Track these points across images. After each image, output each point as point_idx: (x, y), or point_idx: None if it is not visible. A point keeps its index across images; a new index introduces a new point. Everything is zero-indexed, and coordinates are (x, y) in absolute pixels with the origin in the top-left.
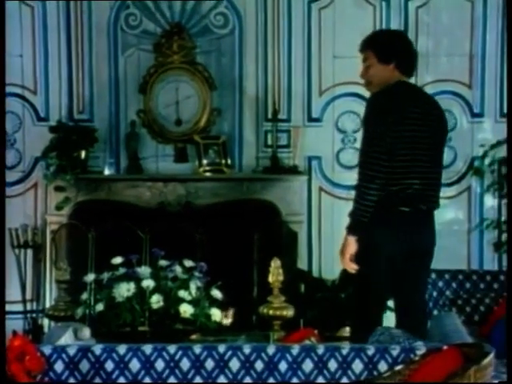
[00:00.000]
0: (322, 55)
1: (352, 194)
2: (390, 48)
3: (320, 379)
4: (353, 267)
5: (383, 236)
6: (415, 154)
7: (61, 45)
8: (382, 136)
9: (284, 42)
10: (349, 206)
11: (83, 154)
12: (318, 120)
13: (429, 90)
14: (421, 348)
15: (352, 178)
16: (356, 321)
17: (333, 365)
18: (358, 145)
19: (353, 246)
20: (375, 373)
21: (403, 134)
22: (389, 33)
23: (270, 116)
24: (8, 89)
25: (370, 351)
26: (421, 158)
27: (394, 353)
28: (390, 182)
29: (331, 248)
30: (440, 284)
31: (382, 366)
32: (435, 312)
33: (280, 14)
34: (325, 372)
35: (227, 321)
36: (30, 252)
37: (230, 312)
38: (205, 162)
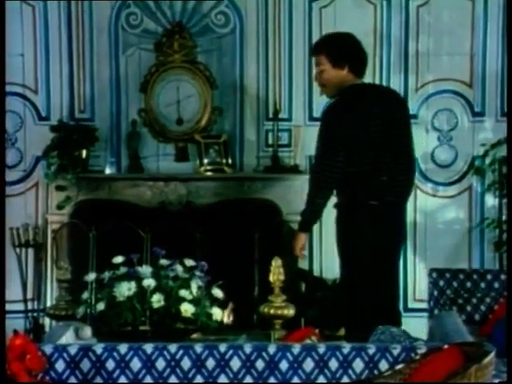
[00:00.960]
0: None
1: None
2: (342, 52)
3: (321, 378)
4: (304, 254)
5: (354, 230)
6: (378, 153)
7: (62, 44)
8: (344, 141)
9: (285, 41)
10: None
11: (84, 153)
12: (318, 119)
13: (429, 89)
14: (422, 347)
15: None
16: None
17: (334, 364)
18: None
19: (303, 240)
20: (376, 372)
21: (367, 135)
22: (340, 36)
23: (270, 115)
24: (9, 88)
25: (371, 350)
26: (385, 153)
27: (395, 352)
28: (352, 182)
29: (332, 247)
30: (441, 283)
31: (383, 365)
32: (436, 311)
33: (281, 12)
34: (326, 371)
35: (228, 319)
36: (31, 251)
37: (230, 307)
38: (206, 161)
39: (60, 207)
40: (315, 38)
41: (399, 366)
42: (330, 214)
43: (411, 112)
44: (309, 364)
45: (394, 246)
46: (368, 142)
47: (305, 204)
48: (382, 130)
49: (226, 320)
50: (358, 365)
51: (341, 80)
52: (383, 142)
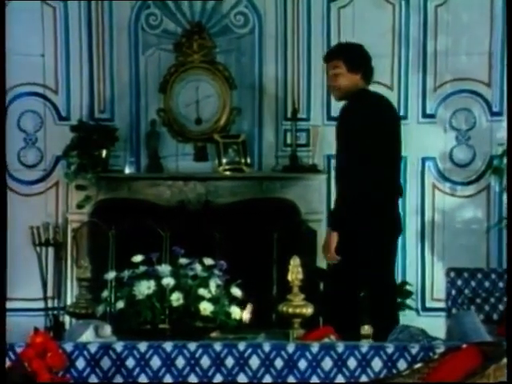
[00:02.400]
0: None
1: None
2: (358, 59)
3: (339, 377)
4: (337, 258)
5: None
6: (390, 154)
7: (82, 44)
8: (369, 143)
9: (303, 41)
10: None
11: (104, 152)
12: (337, 119)
13: (448, 88)
14: (440, 346)
15: None
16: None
17: (352, 363)
18: None
19: (336, 239)
20: (394, 371)
21: (382, 138)
22: (355, 45)
23: (289, 115)
24: (29, 88)
25: (390, 349)
26: (392, 155)
27: (414, 351)
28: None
29: None
30: (459, 282)
31: (402, 365)
32: (454, 311)
33: (299, 12)
34: (344, 370)
35: (247, 317)
36: (51, 250)
37: (250, 306)
38: (224, 160)
39: (80, 206)
40: (333, 38)
41: (417, 366)
42: None
43: (429, 111)
44: (327, 363)
45: (392, 238)
46: (382, 144)
47: (335, 202)
48: (390, 134)
49: (244, 318)
50: (377, 364)
51: (353, 85)
52: (391, 145)
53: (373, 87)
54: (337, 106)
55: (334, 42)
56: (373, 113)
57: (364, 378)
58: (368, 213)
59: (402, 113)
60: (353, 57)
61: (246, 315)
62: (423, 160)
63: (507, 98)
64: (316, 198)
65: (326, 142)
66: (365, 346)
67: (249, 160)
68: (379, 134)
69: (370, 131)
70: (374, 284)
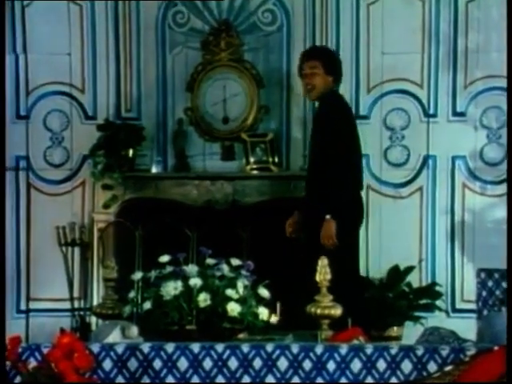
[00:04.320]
0: (371, 51)
1: (400, 192)
2: (335, 63)
3: (369, 379)
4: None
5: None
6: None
7: (109, 43)
8: (353, 139)
9: (332, 39)
10: (397, 204)
11: (131, 152)
12: (365, 117)
13: (479, 86)
14: (471, 349)
15: (400, 175)
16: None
17: (381, 365)
18: (406, 142)
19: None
20: (424, 373)
21: (357, 134)
22: (332, 50)
23: None
24: (56, 87)
25: (420, 351)
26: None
27: (444, 353)
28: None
29: (379, 247)
30: (490, 283)
31: (432, 367)
32: (485, 312)
33: (328, 9)
34: (373, 372)
35: (275, 318)
36: (77, 250)
37: (279, 307)
38: (252, 160)
39: (106, 206)
40: (362, 35)
41: (448, 368)
42: (377, 212)
43: (459, 109)
44: (356, 365)
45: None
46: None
47: (333, 192)
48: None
49: (273, 320)
50: (407, 366)
51: (327, 86)
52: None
53: (402, 84)
54: (365, 104)
55: (362, 39)
56: (350, 110)
57: (394, 380)
58: (358, 202)
59: (431, 111)
60: (330, 60)
61: (274, 317)
62: (453, 159)
63: (507, 98)
64: None
65: None
66: (394, 347)
67: (276, 159)
68: (356, 130)
69: (353, 127)
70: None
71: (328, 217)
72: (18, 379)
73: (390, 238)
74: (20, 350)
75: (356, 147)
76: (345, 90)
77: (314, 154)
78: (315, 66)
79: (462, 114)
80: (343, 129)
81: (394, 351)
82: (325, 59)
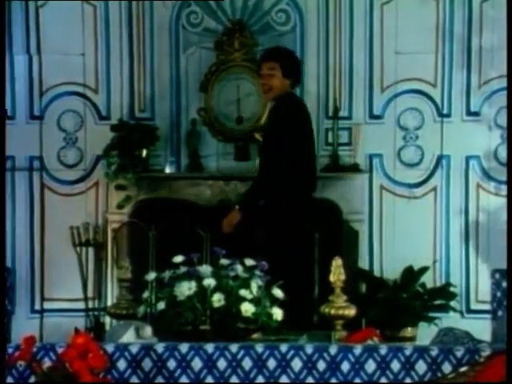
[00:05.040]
0: (384, 51)
1: (414, 192)
2: (293, 66)
3: (383, 380)
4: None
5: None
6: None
7: (122, 43)
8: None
9: (345, 39)
10: (411, 204)
11: (144, 152)
12: (379, 117)
13: (493, 85)
14: (486, 349)
15: (414, 175)
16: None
17: (396, 365)
18: (420, 142)
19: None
20: (439, 374)
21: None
22: (292, 52)
23: (330, 113)
24: (69, 88)
25: (434, 352)
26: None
27: (459, 354)
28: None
29: (392, 247)
30: (504, 284)
31: (446, 368)
32: (500, 313)
33: (342, 9)
34: (388, 373)
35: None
36: (91, 250)
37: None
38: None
39: (120, 206)
40: (376, 35)
41: (463, 369)
42: (390, 212)
43: (474, 109)
44: (370, 365)
45: None
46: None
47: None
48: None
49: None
50: (421, 366)
51: (284, 88)
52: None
53: (416, 84)
54: (380, 104)
55: (376, 39)
56: (305, 113)
57: (408, 381)
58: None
59: (445, 110)
60: (289, 63)
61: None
62: (467, 159)
63: (507, 98)
64: (358, 197)
65: (367, 140)
66: (409, 348)
67: None
68: (311, 133)
69: (306, 130)
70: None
71: (237, 207)
72: (32, 379)
73: (404, 238)
74: (34, 349)
75: (308, 150)
76: (358, 89)
77: (263, 155)
78: (273, 67)
79: (476, 114)
80: (289, 131)
81: (408, 352)
82: (283, 61)
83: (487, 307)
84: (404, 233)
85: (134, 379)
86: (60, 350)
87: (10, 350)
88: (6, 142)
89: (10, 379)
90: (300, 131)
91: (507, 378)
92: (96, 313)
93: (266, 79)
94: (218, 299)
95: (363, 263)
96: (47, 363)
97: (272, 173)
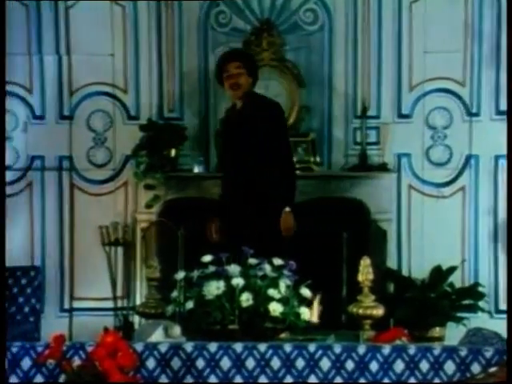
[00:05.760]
0: (413, 50)
1: (442, 191)
2: (254, 65)
3: (411, 380)
4: None
5: None
6: None
7: (151, 44)
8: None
9: (374, 38)
10: (439, 204)
11: (173, 152)
12: (407, 116)
13: None
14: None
15: (442, 175)
16: None
17: (424, 365)
18: (448, 141)
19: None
20: (468, 374)
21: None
22: (251, 53)
23: (359, 113)
24: (99, 88)
25: (463, 352)
26: None
27: (488, 354)
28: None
29: (421, 246)
30: None
31: (475, 368)
32: None
33: (370, 8)
34: (416, 373)
35: (314, 318)
36: (120, 250)
37: (317, 300)
38: (294, 159)
39: (149, 206)
40: (405, 34)
41: (492, 369)
42: (418, 212)
43: (503, 108)
44: (399, 365)
45: None
46: None
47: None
48: None
49: (313, 319)
50: (450, 367)
51: (248, 86)
52: None
53: (444, 83)
54: (408, 104)
55: (404, 38)
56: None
57: (437, 381)
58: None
59: (474, 109)
60: (251, 63)
61: (314, 314)
62: (496, 158)
63: (507, 98)
64: (386, 197)
65: (396, 140)
66: (437, 348)
67: (318, 159)
68: (285, 127)
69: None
70: None
71: (287, 209)
72: (62, 378)
73: (432, 237)
74: (64, 348)
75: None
76: (387, 89)
77: (243, 155)
78: (240, 66)
79: (505, 113)
80: (276, 125)
81: (437, 352)
82: (247, 61)
83: None
84: (432, 232)
85: (163, 378)
86: (89, 349)
87: (39, 349)
88: (36, 142)
89: (39, 377)
90: (282, 126)
91: (507, 378)
92: (125, 312)
93: (234, 78)
94: (246, 299)
95: (391, 263)
96: (77, 362)
97: (293, 169)
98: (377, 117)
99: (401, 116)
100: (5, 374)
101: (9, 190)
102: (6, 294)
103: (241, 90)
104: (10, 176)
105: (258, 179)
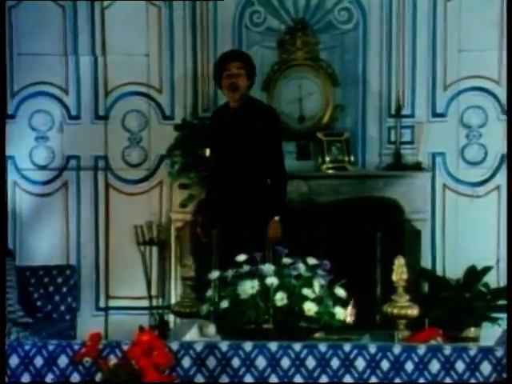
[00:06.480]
0: (447, 48)
1: (477, 190)
2: (253, 69)
3: (447, 380)
4: None
5: None
6: None
7: (186, 44)
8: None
9: (409, 36)
10: (474, 203)
11: (207, 151)
12: (442, 115)
13: None
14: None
15: (477, 174)
16: None
17: (460, 366)
18: (483, 140)
19: None
20: (504, 375)
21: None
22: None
23: (393, 112)
24: (134, 88)
25: (499, 353)
26: None
27: None
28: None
29: (455, 246)
30: None
31: None
32: None
33: (405, 6)
34: (452, 373)
35: (349, 316)
36: (155, 249)
37: (351, 305)
38: (327, 158)
39: (183, 205)
40: (440, 32)
41: None
42: (453, 211)
43: None
44: (435, 365)
45: None
46: None
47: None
48: None
49: (347, 319)
50: (486, 367)
51: (245, 89)
52: None
53: (479, 82)
54: (442, 103)
55: (439, 36)
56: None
57: (472, 381)
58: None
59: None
60: (251, 65)
61: (348, 316)
62: None
63: (507, 99)
64: (420, 196)
65: (430, 139)
66: (473, 348)
67: (352, 158)
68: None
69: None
70: None
71: (276, 218)
72: (98, 376)
73: (467, 237)
74: (100, 346)
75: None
76: (421, 87)
77: (235, 156)
78: (241, 66)
79: None
80: (270, 130)
81: (472, 352)
82: (247, 62)
83: None
84: (467, 232)
85: (199, 377)
86: (125, 348)
87: (76, 347)
88: (72, 142)
89: (75, 375)
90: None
91: (507, 378)
92: (160, 311)
93: (234, 78)
94: (280, 298)
95: (426, 262)
96: (113, 360)
97: (284, 177)
98: (411, 116)
99: (435, 115)
100: (5, 374)
101: (44, 189)
102: (41, 293)
103: (239, 92)
104: (45, 176)
105: (247, 186)
